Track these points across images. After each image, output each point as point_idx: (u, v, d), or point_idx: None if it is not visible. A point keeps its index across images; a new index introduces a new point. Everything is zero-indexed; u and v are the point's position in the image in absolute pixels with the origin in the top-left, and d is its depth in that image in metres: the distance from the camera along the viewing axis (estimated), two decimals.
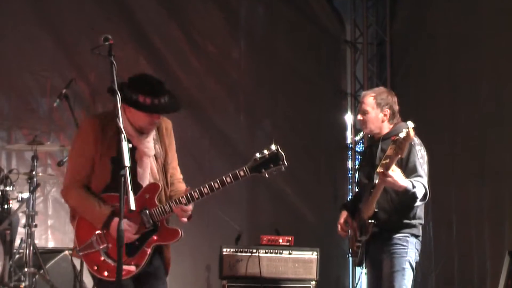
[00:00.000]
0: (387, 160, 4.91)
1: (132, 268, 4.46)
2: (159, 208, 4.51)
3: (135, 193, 4.29)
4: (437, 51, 8.67)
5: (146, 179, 4.58)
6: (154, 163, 4.64)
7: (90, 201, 4.50)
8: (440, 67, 8.59)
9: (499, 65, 7.52)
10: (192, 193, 4.50)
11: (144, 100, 4.44)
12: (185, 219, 4.59)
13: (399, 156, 4.88)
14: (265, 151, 4.57)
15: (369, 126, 5.53)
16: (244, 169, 4.54)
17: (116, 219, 4.39)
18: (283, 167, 4.59)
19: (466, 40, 8.14)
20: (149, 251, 4.51)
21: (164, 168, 4.70)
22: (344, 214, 5.69)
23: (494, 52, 7.62)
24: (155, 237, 4.53)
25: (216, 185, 4.52)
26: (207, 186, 4.51)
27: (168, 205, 4.52)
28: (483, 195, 7.65)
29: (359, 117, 5.60)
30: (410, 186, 5.07)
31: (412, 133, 4.82)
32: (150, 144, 4.62)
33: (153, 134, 4.66)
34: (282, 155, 4.57)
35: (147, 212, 4.50)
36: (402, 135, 4.81)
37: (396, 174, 4.97)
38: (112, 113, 4.40)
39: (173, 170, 4.80)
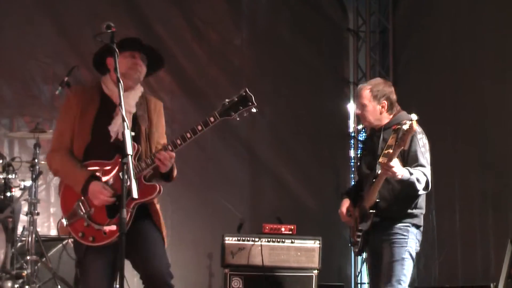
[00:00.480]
0: (389, 150, 4.90)
1: (113, 227, 4.45)
2: (136, 167, 4.48)
3: (104, 145, 4.50)
4: (440, 39, 8.64)
5: (114, 130, 4.57)
6: (131, 122, 4.60)
7: (71, 165, 4.54)
8: (442, 56, 8.57)
9: (502, 54, 7.50)
10: (174, 140, 4.53)
11: (122, 43, 4.49)
12: (167, 165, 4.53)
13: (402, 148, 4.87)
14: (234, 96, 4.63)
15: (368, 119, 5.52)
16: (214, 114, 4.59)
17: (93, 183, 4.45)
18: (253, 108, 4.63)
19: (469, 28, 8.12)
20: (129, 210, 4.46)
21: (148, 137, 4.71)
22: (345, 202, 5.67)
23: (497, 41, 7.60)
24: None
25: (188, 135, 4.54)
26: (179, 137, 4.53)
27: (144, 162, 4.52)
28: (487, 183, 7.65)
29: (357, 111, 5.60)
30: (407, 175, 5.05)
31: (415, 125, 4.81)
32: (131, 101, 4.65)
33: (137, 98, 4.71)
34: (251, 96, 4.61)
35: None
36: (405, 127, 4.80)
37: (397, 165, 4.96)
38: (93, 87, 4.69)
39: (158, 145, 4.76)
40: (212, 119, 4.59)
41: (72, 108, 4.64)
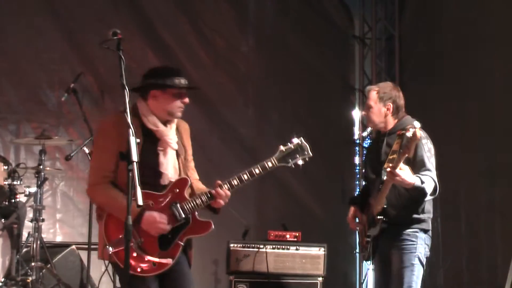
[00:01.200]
0: (394, 156, 4.90)
1: (169, 260, 4.49)
2: (191, 202, 4.56)
3: (157, 184, 4.52)
4: (446, 46, 8.63)
5: (169, 169, 4.63)
6: (175, 157, 4.68)
7: (119, 197, 4.43)
8: (449, 62, 8.56)
9: (510, 61, 7.49)
10: (231, 181, 4.65)
11: (171, 82, 4.58)
12: (222, 203, 4.65)
13: (406, 155, 4.87)
14: (289, 144, 4.77)
15: (373, 120, 5.56)
16: (272, 160, 4.71)
17: (147, 213, 4.43)
18: (307, 158, 4.78)
19: (475, 35, 8.10)
20: (181, 244, 4.55)
21: (186, 166, 4.78)
22: (352, 210, 5.69)
23: (504, 47, 7.58)
24: (187, 230, 4.57)
25: (246, 177, 4.67)
26: (236, 178, 4.65)
27: (199, 198, 4.57)
28: (493, 190, 7.62)
29: (363, 112, 5.68)
30: (418, 182, 5.07)
31: (418, 133, 4.83)
32: (174, 137, 4.69)
33: (174, 129, 4.72)
34: (307, 146, 4.78)
35: (178, 205, 4.55)
36: (408, 134, 4.80)
37: (404, 172, 4.97)
38: (132, 115, 4.49)
39: (191, 170, 4.87)
40: (270, 164, 4.72)
41: (112, 139, 4.51)
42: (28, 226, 7.31)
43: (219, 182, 4.65)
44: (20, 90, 8.66)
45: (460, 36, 8.41)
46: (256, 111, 9.52)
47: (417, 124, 4.89)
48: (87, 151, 7.16)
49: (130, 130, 4.05)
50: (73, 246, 7.58)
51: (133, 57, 8.50)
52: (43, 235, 7.27)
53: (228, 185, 4.62)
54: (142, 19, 9.10)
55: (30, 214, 7.32)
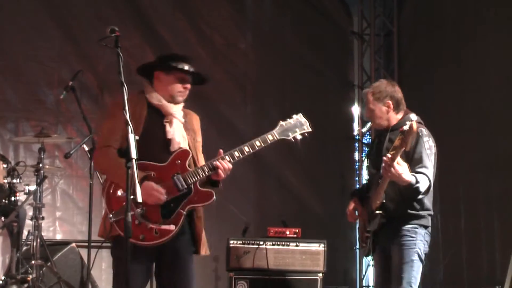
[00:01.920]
0: (394, 151, 4.91)
1: (172, 227, 4.52)
2: (192, 172, 4.62)
3: (167, 151, 4.61)
4: (445, 41, 8.63)
5: (177, 136, 4.70)
6: (182, 129, 4.75)
7: (121, 163, 4.41)
8: (448, 58, 8.56)
9: (508, 56, 7.49)
10: (232, 152, 4.71)
11: (176, 64, 4.71)
12: (223, 175, 4.68)
13: (403, 149, 4.87)
14: (289, 119, 4.86)
15: (378, 122, 5.55)
16: (273, 133, 4.78)
17: (145, 183, 4.48)
18: (306, 133, 4.86)
19: (474, 30, 8.11)
20: (184, 213, 4.59)
21: (195, 149, 4.82)
22: (353, 202, 5.69)
23: (502, 42, 7.59)
24: (189, 199, 4.62)
25: (247, 149, 4.74)
26: (238, 150, 4.72)
27: (201, 169, 4.63)
28: (492, 185, 7.62)
29: (367, 115, 5.65)
30: (414, 181, 5.05)
31: (415, 126, 4.81)
32: (179, 112, 4.78)
33: (181, 111, 4.81)
34: (306, 121, 4.88)
35: (180, 176, 4.60)
36: (405, 127, 4.81)
37: (402, 168, 4.95)
38: (141, 92, 4.74)
39: (200, 154, 4.91)
40: (270, 137, 4.79)
41: (121, 110, 4.47)
42: (28, 224, 7.30)
43: (221, 151, 4.70)
44: (18, 88, 8.66)
45: (458, 32, 8.41)
46: (254, 107, 9.52)
47: (413, 117, 4.90)
48: (86, 148, 7.14)
49: (129, 127, 4.06)
50: (73, 244, 7.58)
51: (131, 54, 8.50)
52: (42, 233, 7.27)
53: (230, 157, 4.68)
54: (140, 16, 9.10)
55: (30, 212, 7.32)
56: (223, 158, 4.67)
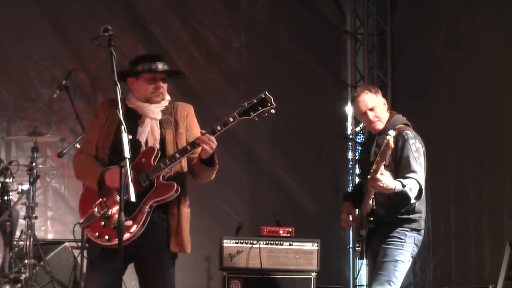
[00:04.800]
0: (376, 166, 4.86)
1: (129, 222, 4.48)
2: (154, 167, 4.57)
3: (138, 151, 4.58)
4: (438, 41, 8.65)
5: (144, 136, 4.68)
6: (157, 128, 4.71)
7: (92, 164, 4.64)
8: (440, 58, 8.58)
9: (500, 56, 7.51)
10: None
11: (142, 67, 4.68)
12: (208, 148, 4.58)
13: (383, 163, 4.83)
14: (254, 99, 4.67)
15: (383, 119, 5.40)
16: (234, 115, 4.63)
17: (107, 171, 4.51)
18: (272, 110, 4.64)
19: (467, 30, 8.13)
20: (146, 208, 4.55)
21: (176, 140, 4.75)
22: (347, 206, 5.63)
23: (495, 42, 7.60)
24: (151, 194, 4.57)
25: (219, 127, 4.63)
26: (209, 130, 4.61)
27: (162, 163, 4.56)
28: (482, 185, 7.65)
29: (372, 117, 5.37)
30: (399, 187, 4.97)
31: (391, 141, 4.74)
32: (155, 110, 4.73)
33: (163, 106, 4.77)
34: (270, 97, 4.64)
35: (144, 174, 4.58)
36: (385, 142, 4.77)
37: (384, 177, 4.91)
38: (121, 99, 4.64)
39: None
40: (231, 119, 4.63)
41: (98, 118, 4.76)
42: (21, 224, 7.29)
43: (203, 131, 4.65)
44: (11, 87, 8.63)
45: (452, 31, 8.43)
46: None
47: (392, 132, 4.83)
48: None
49: (122, 126, 4.07)
50: (66, 243, 7.56)
51: (125, 54, 8.47)
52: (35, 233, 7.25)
53: (210, 132, 4.60)
54: (133, 15, 9.08)
55: (21, 212, 7.30)
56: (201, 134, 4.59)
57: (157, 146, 4.66)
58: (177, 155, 4.58)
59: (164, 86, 4.77)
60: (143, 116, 4.71)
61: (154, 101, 4.74)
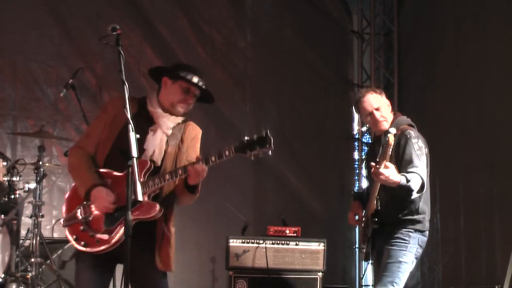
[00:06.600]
0: (379, 160, 4.90)
1: (105, 236, 4.42)
2: (142, 183, 4.41)
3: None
4: (444, 40, 8.63)
5: (151, 148, 4.59)
6: (164, 142, 4.65)
7: (85, 167, 4.51)
8: (447, 57, 8.56)
9: (508, 55, 7.48)
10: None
11: (184, 74, 4.62)
12: (197, 180, 4.52)
13: (385, 160, 4.87)
14: (255, 135, 4.58)
15: (388, 119, 5.43)
16: (230, 148, 4.54)
17: (97, 188, 4.42)
18: (269, 151, 4.58)
19: (474, 29, 8.11)
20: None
21: (176, 156, 4.70)
22: (355, 206, 5.65)
23: (503, 41, 7.59)
24: (133, 210, 4.33)
25: (213, 158, 4.50)
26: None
27: (152, 181, 4.47)
28: (492, 185, 7.63)
29: (379, 117, 5.40)
30: (404, 181, 5.01)
31: (392, 139, 4.81)
32: (169, 124, 4.67)
33: (177, 122, 4.72)
34: (270, 139, 4.56)
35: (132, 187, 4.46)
36: (385, 140, 4.80)
37: (388, 170, 4.93)
38: (136, 98, 4.64)
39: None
40: (227, 152, 4.53)
41: (106, 113, 4.64)
42: (27, 223, 7.29)
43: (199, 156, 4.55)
44: (17, 87, 8.64)
45: (458, 30, 8.41)
46: (253, 106, 9.50)
47: (392, 130, 4.87)
48: None
49: (130, 126, 4.04)
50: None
51: (131, 53, 8.49)
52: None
53: (204, 161, 4.48)
54: (139, 14, 9.08)
55: (27, 211, 7.30)
56: (198, 162, 4.48)
57: (160, 161, 4.58)
58: (167, 176, 4.48)
59: (192, 102, 4.73)
60: (156, 125, 4.63)
61: (176, 110, 4.67)
